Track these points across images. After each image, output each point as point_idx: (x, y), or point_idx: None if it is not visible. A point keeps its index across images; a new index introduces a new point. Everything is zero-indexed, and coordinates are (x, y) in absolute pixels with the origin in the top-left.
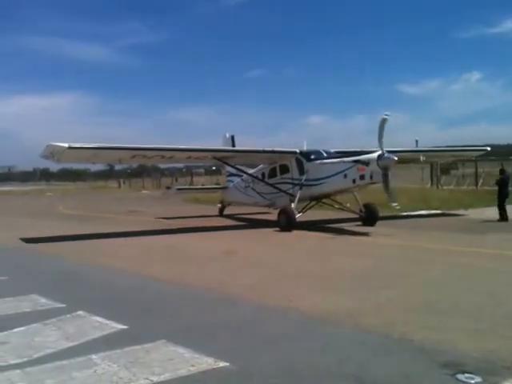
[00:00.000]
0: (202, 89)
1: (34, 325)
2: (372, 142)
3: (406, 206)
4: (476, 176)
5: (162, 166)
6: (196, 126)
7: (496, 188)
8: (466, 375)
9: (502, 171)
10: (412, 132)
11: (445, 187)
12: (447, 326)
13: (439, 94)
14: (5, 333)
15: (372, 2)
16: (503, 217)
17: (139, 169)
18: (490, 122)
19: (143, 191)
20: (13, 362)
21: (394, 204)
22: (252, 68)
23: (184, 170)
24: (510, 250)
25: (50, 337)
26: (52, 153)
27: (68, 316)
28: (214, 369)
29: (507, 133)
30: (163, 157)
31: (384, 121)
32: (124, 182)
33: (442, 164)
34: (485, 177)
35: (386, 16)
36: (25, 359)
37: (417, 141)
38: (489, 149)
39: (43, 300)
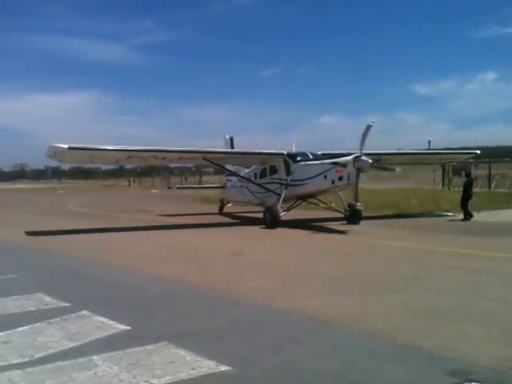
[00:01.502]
0: (215, 87)
1: (37, 324)
2: (385, 142)
3: (417, 207)
4: (489, 178)
5: (172, 165)
6: (209, 124)
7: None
8: None
9: (468, 174)
10: (426, 132)
11: (456, 189)
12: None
13: (454, 95)
14: (8, 332)
15: (387, 2)
16: (466, 216)
17: (149, 168)
18: (505, 123)
19: (152, 190)
20: (14, 361)
21: (358, 204)
22: (266, 67)
23: (193, 169)
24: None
25: (53, 336)
26: (54, 153)
27: (72, 315)
28: (215, 373)
29: None
30: (157, 157)
31: (368, 128)
32: (134, 181)
33: (455, 165)
34: (498, 178)
35: (400, 16)
36: (26, 359)
37: (429, 141)
38: (478, 152)
39: (48, 299)
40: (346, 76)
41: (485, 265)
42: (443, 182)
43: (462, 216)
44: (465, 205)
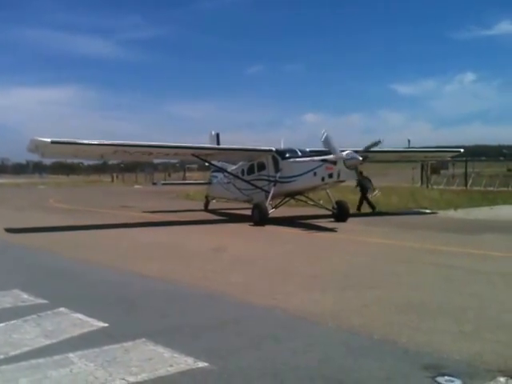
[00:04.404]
0: (202, 84)
1: (13, 321)
2: (368, 140)
3: (397, 204)
4: (466, 176)
5: (156, 160)
6: (195, 121)
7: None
8: (446, 378)
9: (359, 180)
10: (406, 131)
11: (435, 187)
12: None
13: (434, 94)
14: None
15: (370, 4)
16: (373, 208)
17: (132, 163)
18: (483, 123)
19: (136, 186)
20: None
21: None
22: (252, 64)
23: (177, 165)
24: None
25: (29, 334)
26: (36, 147)
27: (49, 313)
28: (193, 369)
29: (499, 134)
30: (144, 153)
31: (376, 143)
32: (117, 177)
33: (433, 164)
34: (474, 177)
35: (382, 17)
36: (1, 356)
37: (409, 140)
38: (462, 150)
39: (25, 296)
40: (331, 75)
41: (461, 261)
42: (422, 179)
43: (426, 212)
44: (362, 201)
